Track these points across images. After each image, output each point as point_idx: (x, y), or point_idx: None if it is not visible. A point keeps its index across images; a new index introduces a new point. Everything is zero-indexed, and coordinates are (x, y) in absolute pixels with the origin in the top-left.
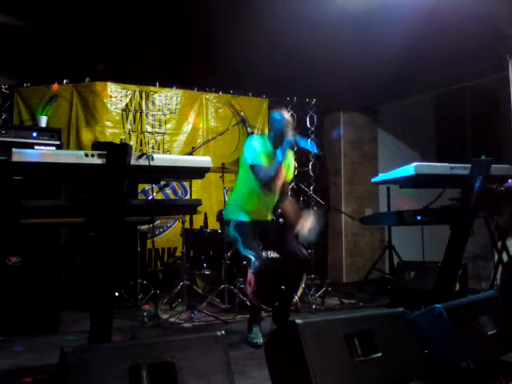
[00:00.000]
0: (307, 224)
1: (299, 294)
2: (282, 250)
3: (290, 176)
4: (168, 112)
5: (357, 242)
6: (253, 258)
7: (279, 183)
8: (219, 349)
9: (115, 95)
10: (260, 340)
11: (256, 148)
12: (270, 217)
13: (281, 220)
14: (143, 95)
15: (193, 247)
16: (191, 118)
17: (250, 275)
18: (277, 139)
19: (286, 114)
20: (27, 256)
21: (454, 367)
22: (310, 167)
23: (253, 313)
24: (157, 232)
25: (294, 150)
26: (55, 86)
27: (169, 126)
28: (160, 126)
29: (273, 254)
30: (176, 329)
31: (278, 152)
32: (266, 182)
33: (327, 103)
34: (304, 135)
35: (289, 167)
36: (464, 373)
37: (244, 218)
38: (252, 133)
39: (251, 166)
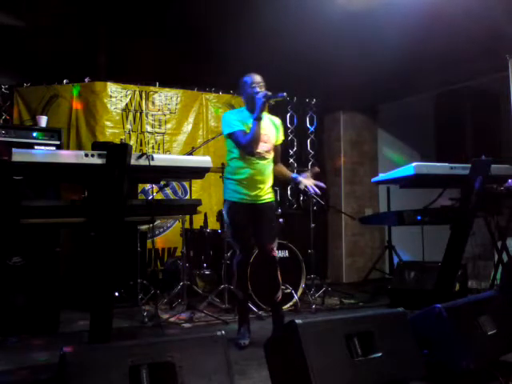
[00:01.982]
0: (309, 181)
1: (299, 293)
2: (256, 241)
3: (279, 140)
4: (168, 112)
5: (357, 242)
6: (238, 251)
7: (266, 146)
8: (219, 349)
9: (115, 95)
10: (245, 341)
11: (229, 118)
12: (266, 195)
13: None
14: (143, 95)
15: (193, 247)
16: (191, 118)
17: (234, 265)
18: (250, 102)
19: (254, 75)
20: (27, 256)
21: (454, 367)
22: (309, 167)
23: (240, 314)
24: (157, 232)
25: (269, 104)
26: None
27: (169, 126)
28: (160, 125)
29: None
30: (176, 329)
31: (254, 113)
32: (246, 145)
33: (327, 103)
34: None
35: (276, 130)
36: (464, 373)
37: (237, 197)
38: None
39: (229, 136)
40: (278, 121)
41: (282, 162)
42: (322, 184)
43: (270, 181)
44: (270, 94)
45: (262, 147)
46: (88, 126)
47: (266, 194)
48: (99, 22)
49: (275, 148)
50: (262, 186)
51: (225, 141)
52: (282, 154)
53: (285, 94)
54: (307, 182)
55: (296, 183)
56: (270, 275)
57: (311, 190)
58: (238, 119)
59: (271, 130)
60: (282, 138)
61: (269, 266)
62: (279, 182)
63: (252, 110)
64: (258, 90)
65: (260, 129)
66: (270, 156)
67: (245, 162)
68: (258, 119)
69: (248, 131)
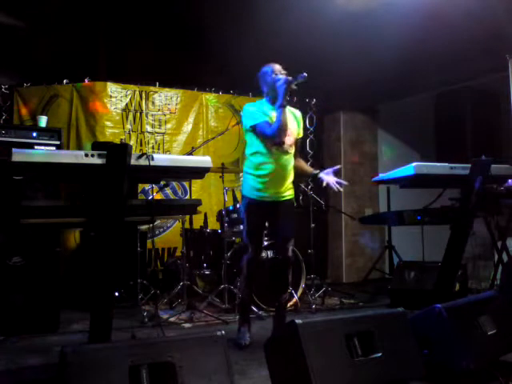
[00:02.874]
0: (331, 178)
1: (299, 293)
2: (275, 241)
3: (300, 133)
4: (168, 112)
5: (357, 242)
6: (249, 250)
7: (289, 139)
8: (219, 349)
9: (115, 95)
10: (245, 341)
11: (250, 109)
12: (287, 191)
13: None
14: (143, 95)
15: (193, 247)
16: (191, 118)
17: (244, 262)
18: (272, 91)
19: (274, 64)
20: (27, 256)
21: (454, 367)
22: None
23: (242, 313)
24: (157, 232)
25: (293, 90)
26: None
27: (169, 126)
28: (160, 125)
29: (272, 255)
30: (176, 329)
31: (277, 103)
32: (273, 135)
33: (327, 103)
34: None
35: (298, 123)
36: (464, 373)
37: (257, 195)
38: None
39: (252, 128)
40: (298, 113)
41: None
42: (343, 182)
43: (291, 176)
44: (290, 78)
45: (285, 140)
46: (88, 126)
47: (287, 190)
48: (99, 22)
49: (295, 142)
50: (284, 182)
51: (243, 135)
52: None
53: (305, 74)
54: (329, 178)
55: (317, 180)
56: (281, 274)
57: (333, 187)
58: (260, 111)
59: (293, 122)
60: (302, 132)
61: (282, 266)
62: (297, 178)
63: (274, 100)
64: (279, 76)
65: (286, 117)
66: (293, 150)
67: (268, 156)
68: (282, 106)
69: (272, 122)
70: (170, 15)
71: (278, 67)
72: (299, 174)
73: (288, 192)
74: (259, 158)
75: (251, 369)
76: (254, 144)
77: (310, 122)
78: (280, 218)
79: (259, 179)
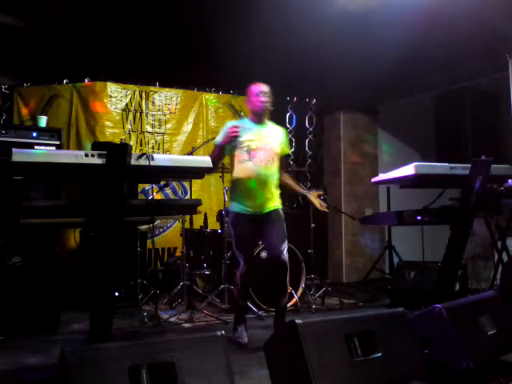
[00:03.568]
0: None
1: (299, 293)
2: (266, 247)
3: (284, 151)
4: (168, 112)
5: (357, 242)
6: (241, 262)
7: (267, 154)
8: (219, 349)
9: (115, 95)
10: (244, 340)
11: (224, 130)
12: (270, 203)
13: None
14: (143, 95)
15: (193, 247)
16: (191, 118)
17: (237, 276)
18: (253, 111)
19: (262, 85)
20: (27, 256)
21: (454, 367)
22: (307, 168)
23: (238, 313)
24: (157, 232)
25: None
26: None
27: (169, 126)
28: (160, 126)
29: (265, 254)
30: (176, 329)
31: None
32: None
33: (327, 103)
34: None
35: (281, 140)
36: (464, 373)
37: (239, 208)
38: None
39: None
40: (281, 131)
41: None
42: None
43: (273, 191)
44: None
45: (262, 155)
46: (88, 126)
47: (270, 203)
48: (99, 22)
49: (280, 159)
50: (264, 195)
51: None
52: None
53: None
54: (316, 201)
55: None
56: (278, 279)
57: (319, 208)
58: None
59: (274, 138)
60: (286, 150)
61: (278, 271)
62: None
63: (255, 118)
64: (262, 99)
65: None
66: (273, 165)
67: (245, 170)
68: (258, 132)
69: (252, 136)
70: (170, 15)
71: (263, 89)
72: (287, 191)
73: (272, 204)
74: (237, 171)
75: (251, 369)
76: (232, 159)
77: (310, 122)
78: (266, 228)
79: (239, 193)
